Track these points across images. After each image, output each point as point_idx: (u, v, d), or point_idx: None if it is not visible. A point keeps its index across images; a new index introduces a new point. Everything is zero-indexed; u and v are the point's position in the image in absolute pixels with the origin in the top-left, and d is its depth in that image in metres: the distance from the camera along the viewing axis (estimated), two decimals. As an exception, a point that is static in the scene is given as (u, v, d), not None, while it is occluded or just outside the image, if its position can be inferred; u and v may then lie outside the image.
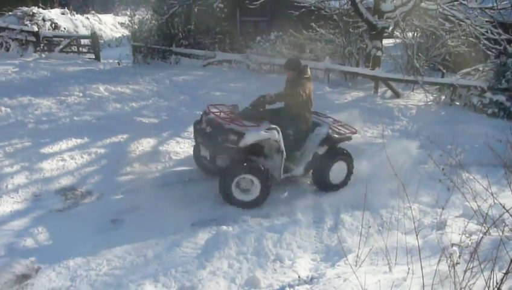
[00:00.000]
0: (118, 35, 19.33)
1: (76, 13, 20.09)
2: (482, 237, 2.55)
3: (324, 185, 5.10)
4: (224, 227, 4.02)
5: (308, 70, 5.05)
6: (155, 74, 10.53)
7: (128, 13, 14.48)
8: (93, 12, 22.59)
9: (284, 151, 4.66)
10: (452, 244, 2.38)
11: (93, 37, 13.91)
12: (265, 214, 4.46)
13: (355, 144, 6.78)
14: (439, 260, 2.34)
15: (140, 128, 6.86)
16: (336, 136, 5.09)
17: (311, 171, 5.12)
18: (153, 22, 12.29)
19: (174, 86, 9.67)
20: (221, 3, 11.82)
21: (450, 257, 2.11)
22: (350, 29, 11.26)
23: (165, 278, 3.28)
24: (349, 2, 10.34)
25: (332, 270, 3.20)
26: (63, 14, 18.90)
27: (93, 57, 13.61)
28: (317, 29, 11.12)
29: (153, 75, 10.39)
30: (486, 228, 2.63)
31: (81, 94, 8.27)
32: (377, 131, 7.58)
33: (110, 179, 5.14)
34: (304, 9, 10.93)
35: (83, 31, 17.93)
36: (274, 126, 4.61)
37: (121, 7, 25.24)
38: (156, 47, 11.95)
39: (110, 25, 21.92)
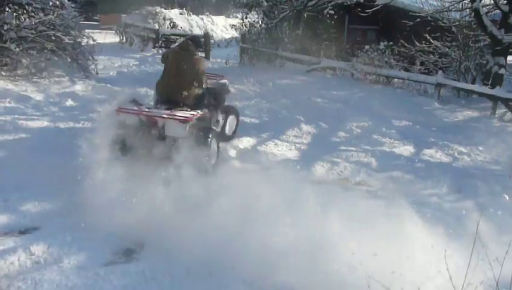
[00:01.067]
0: (227, 36, 20.29)
1: (193, 14, 21.56)
2: None
3: None
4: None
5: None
6: (259, 75, 10.80)
7: (239, 16, 15.09)
8: (207, 13, 24.07)
9: None
10: None
11: (206, 36, 14.76)
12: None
13: (462, 167, 6.26)
14: None
15: (242, 127, 7.10)
16: None
17: None
18: (263, 25, 12.64)
19: (277, 89, 9.83)
20: (332, 9, 11.72)
21: None
22: (469, 43, 10.38)
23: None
24: (472, 14, 9.53)
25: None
26: (181, 14, 20.43)
27: (204, 55, 14.44)
28: (431, 41, 10.45)
29: (257, 76, 10.67)
30: None
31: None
32: (490, 156, 6.87)
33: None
34: (418, 20, 10.34)
35: (197, 31, 19.18)
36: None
37: (232, 10, 26.47)
38: (263, 50, 12.27)
39: (221, 26, 23.14)
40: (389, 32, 11.51)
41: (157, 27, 15.73)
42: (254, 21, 12.92)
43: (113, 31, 16.92)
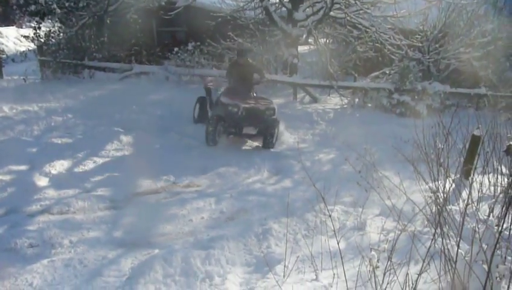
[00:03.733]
0: (22, 49, 17.89)
1: (-28, 26, 18.28)
2: (399, 235, 2.70)
3: None
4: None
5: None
6: (67, 89, 9.84)
7: (33, 25, 13.42)
8: (-8, 24, 20.71)
9: None
10: (371, 248, 2.49)
11: (-7, 52, 12.71)
12: (188, 232, 4.35)
13: (279, 150, 6.98)
14: (360, 263, 2.44)
15: (53, 150, 6.36)
16: None
17: None
18: (61, 34, 11.50)
19: (89, 101, 9.14)
20: (135, 14, 11.43)
21: (369, 261, 2.20)
22: (267, 38, 11.51)
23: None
24: (264, 12, 10.58)
25: (262, 283, 3.19)
26: (-45, 27, 17.07)
27: (-6, 74, 12.41)
28: (235, 38, 11.21)
29: (64, 91, 9.70)
30: (402, 225, 2.79)
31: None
32: (298, 136, 7.82)
33: (20, 207, 4.67)
34: (220, 19, 10.96)
35: (-21, 46, 16.35)
36: None
37: (24, 19, 23.42)
38: (67, 61, 11.19)
39: (13, 38, 20.22)
40: (196, 33, 11.84)
41: None
42: (50, 30, 11.65)
43: None
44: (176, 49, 11.01)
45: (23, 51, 16.86)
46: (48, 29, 11.81)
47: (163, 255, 3.67)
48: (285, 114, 8.87)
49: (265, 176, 6.06)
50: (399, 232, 2.69)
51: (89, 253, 3.87)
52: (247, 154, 6.85)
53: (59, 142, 6.79)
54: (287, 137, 7.62)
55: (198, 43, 11.11)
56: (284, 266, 3.29)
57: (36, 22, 11.77)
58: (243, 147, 7.29)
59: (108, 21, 11.70)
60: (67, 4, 10.93)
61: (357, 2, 9.99)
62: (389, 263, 2.21)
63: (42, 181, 5.33)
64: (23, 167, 5.72)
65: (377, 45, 10.73)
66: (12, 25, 23.25)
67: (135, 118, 8.11)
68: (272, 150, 7.01)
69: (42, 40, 11.54)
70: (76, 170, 5.78)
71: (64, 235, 4.17)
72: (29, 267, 3.61)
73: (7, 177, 5.37)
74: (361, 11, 10.19)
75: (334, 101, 10.56)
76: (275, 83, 10.74)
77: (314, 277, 2.99)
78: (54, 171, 5.63)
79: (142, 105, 8.84)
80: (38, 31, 11.65)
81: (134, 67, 11.08)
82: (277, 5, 11.00)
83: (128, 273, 3.53)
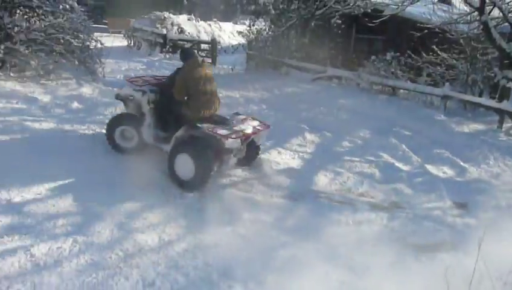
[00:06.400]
0: (234, 42, 20.37)
1: (200, 20, 21.69)
2: None
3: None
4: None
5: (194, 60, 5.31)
6: (265, 82, 10.83)
7: (247, 23, 15.15)
8: (215, 19, 24.20)
9: (147, 116, 5.45)
10: None
11: (213, 42, 14.86)
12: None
13: (466, 182, 6.20)
14: None
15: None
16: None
17: None
18: (270, 32, 12.67)
19: (282, 96, 9.85)
20: (339, 19, 11.72)
21: None
22: (477, 56, 10.33)
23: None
24: (481, 26, 9.49)
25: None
26: (189, 20, 20.55)
27: (210, 61, 14.51)
28: (439, 52, 10.41)
29: (263, 83, 10.70)
30: None
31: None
32: (495, 171, 6.80)
33: (213, 178, 5.38)
34: (426, 31, 10.32)
35: (204, 37, 19.29)
36: (143, 89, 5.54)
37: (240, 16, 26.63)
38: (269, 57, 12.30)
39: (228, 33, 23.26)
40: (396, 43, 11.48)
41: (164, 32, 15.82)
42: (261, 28, 12.96)
43: (121, 35, 17.05)
44: (373, 57, 10.88)
45: (235, 44, 19.14)
46: (259, 27, 13.16)
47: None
48: (484, 142, 7.86)
49: (447, 206, 5.49)
50: None
51: (260, 233, 4.20)
52: (430, 177, 6.31)
53: (252, 128, 7.52)
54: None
55: (398, 54, 10.73)
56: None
57: (251, 20, 13.23)
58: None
59: (312, 24, 12.33)
60: (281, 6, 11.94)
61: None
62: None
63: (233, 160, 5.96)
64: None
65: None
66: (230, 21, 26.70)
67: (321, 118, 8.36)
68: (458, 178, 6.29)
69: (253, 36, 12.92)
70: (262, 156, 6.24)
71: (245, 210, 4.64)
72: (214, 230, 4.14)
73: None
74: None
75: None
76: (477, 106, 9.59)
77: None
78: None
79: (330, 107, 9.06)
80: (251, 28, 13.09)
81: (328, 70, 11.42)
82: (499, 20, 9.73)
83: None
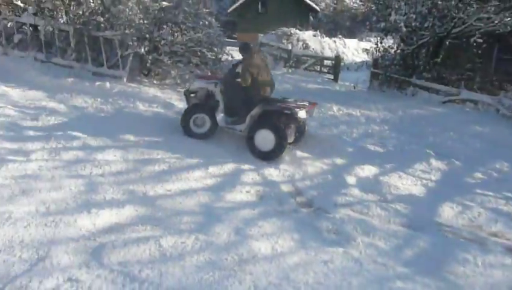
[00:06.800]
0: (358, 59, 20.04)
1: (326, 36, 21.83)
2: None
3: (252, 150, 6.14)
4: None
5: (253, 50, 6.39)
6: (389, 102, 10.40)
7: (373, 40, 14.76)
8: (340, 36, 24.11)
9: (220, 102, 6.51)
10: None
11: (336, 60, 14.81)
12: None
13: None
14: None
15: (365, 154, 6.89)
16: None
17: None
18: (398, 51, 12.14)
19: (406, 118, 9.33)
20: (480, 38, 10.67)
21: None
22: None
23: None
24: None
25: None
26: (314, 36, 20.86)
27: (332, 77, 14.47)
28: None
29: (386, 103, 10.30)
30: None
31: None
32: None
33: (328, 195, 5.32)
34: None
35: (328, 53, 19.36)
36: (215, 81, 6.63)
37: (366, 33, 26.06)
38: (395, 76, 11.77)
39: (352, 49, 22.97)
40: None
41: (290, 47, 16.27)
42: (389, 46, 12.48)
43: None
44: (519, 81, 9.69)
45: (359, 62, 18.80)
46: (387, 45, 12.70)
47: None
48: None
49: None
50: None
51: (374, 259, 3.99)
52: None
53: (372, 148, 7.26)
54: None
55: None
56: None
57: (379, 37, 12.83)
58: None
59: (447, 42, 11.46)
60: (413, 24, 11.36)
61: None
62: None
63: (351, 179, 5.84)
64: (339, 161, 6.46)
65: None
66: (355, 38, 26.31)
67: (450, 144, 7.69)
68: None
69: (380, 54, 12.51)
70: (381, 178, 6.01)
71: (359, 233, 4.47)
72: (325, 248, 4.07)
73: (326, 167, 6.22)
74: None
75: None
76: None
77: None
78: (362, 174, 6.07)
79: (461, 133, 8.28)
80: (378, 45, 12.70)
81: (462, 92, 10.47)
82: None
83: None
